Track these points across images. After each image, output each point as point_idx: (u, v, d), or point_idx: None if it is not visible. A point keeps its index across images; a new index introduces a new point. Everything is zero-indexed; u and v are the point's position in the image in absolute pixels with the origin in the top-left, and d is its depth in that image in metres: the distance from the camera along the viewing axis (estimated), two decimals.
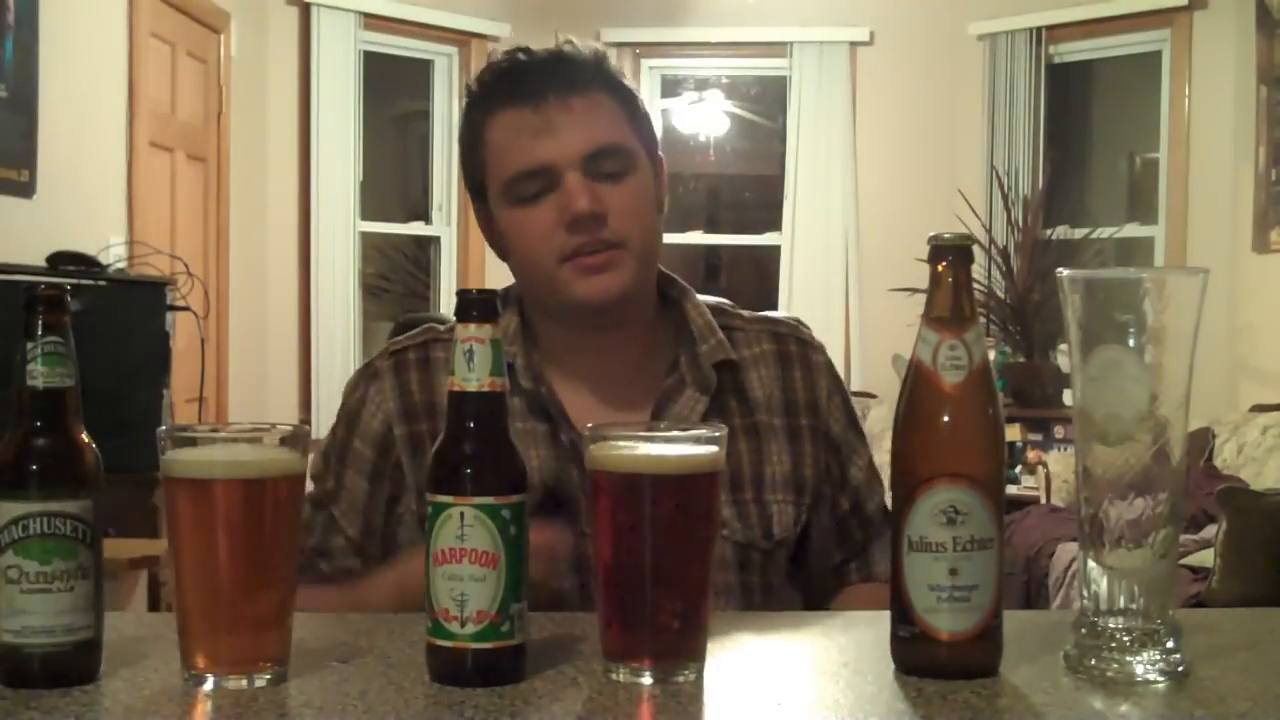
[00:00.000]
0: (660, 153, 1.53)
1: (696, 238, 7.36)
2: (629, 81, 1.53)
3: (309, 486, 1.50)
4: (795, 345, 1.55)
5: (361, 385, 1.52)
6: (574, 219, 1.40)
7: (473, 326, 0.99)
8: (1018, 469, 6.02)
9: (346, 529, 1.50)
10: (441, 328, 1.55)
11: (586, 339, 1.49)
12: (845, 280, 6.83)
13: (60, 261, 3.86)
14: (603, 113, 1.45)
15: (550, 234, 1.42)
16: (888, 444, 1.05)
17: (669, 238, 1.58)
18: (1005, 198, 6.50)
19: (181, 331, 4.47)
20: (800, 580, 1.53)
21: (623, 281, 1.43)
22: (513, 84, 1.46)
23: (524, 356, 1.47)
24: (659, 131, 1.61)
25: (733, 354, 1.50)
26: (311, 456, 1.44)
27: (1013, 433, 5.94)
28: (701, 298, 1.57)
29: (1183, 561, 3.75)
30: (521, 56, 1.48)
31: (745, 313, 1.59)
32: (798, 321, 1.60)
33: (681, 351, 1.50)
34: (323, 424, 6.20)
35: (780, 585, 1.50)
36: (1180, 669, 1.00)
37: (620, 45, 6.58)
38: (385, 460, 1.49)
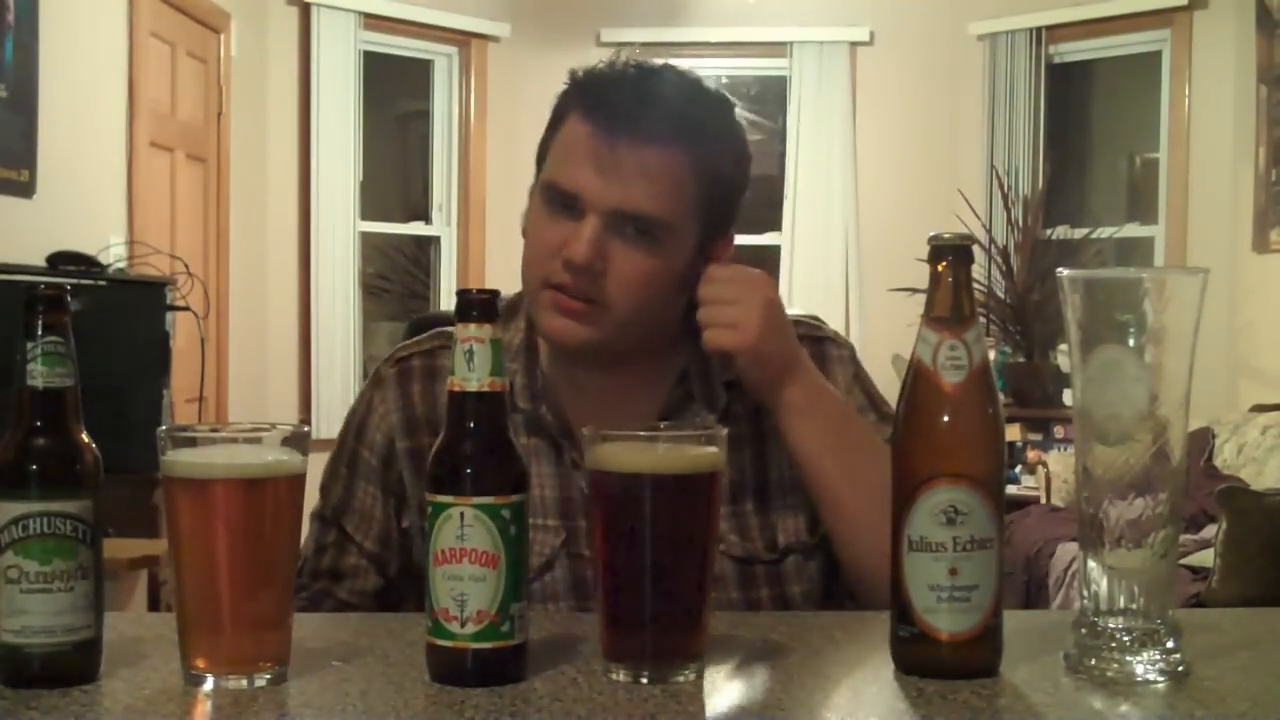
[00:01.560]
0: (731, 231, 1.44)
1: None
2: (736, 144, 1.43)
3: (315, 503, 1.47)
4: (811, 346, 1.48)
5: (368, 393, 1.49)
6: (566, 261, 1.35)
7: (473, 326, 0.99)
8: (1018, 469, 6.02)
9: (362, 543, 1.44)
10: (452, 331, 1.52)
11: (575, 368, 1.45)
12: (845, 280, 6.83)
13: (60, 261, 3.86)
14: (666, 179, 1.35)
15: (549, 253, 1.37)
16: None
17: None
18: (1005, 198, 6.50)
19: (181, 331, 4.47)
20: (837, 587, 1.46)
21: (588, 335, 1.37)
22: (608, 100, 1.37)
23: (524, 374, 1.43)
24: None
25: None
26: (320, 471, 1.42)
27: (1013, 433, 5.94)
28: None
29: (1183, 561, 3.75)
30: (632, 73, 1.40)
31: None
32: (817, 321, 1.55)
33: (692, 363, 1.44)
34: (323, 424, 6.23)
35: (806, 593, 1.43)
36: (1180, 669, 1.00)
37: (620, 45, 6.57)
38: (389, 472, 1.45)
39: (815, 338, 1.51)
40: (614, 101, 1.37)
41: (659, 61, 1.43)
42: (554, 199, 1.38)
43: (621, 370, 1.44)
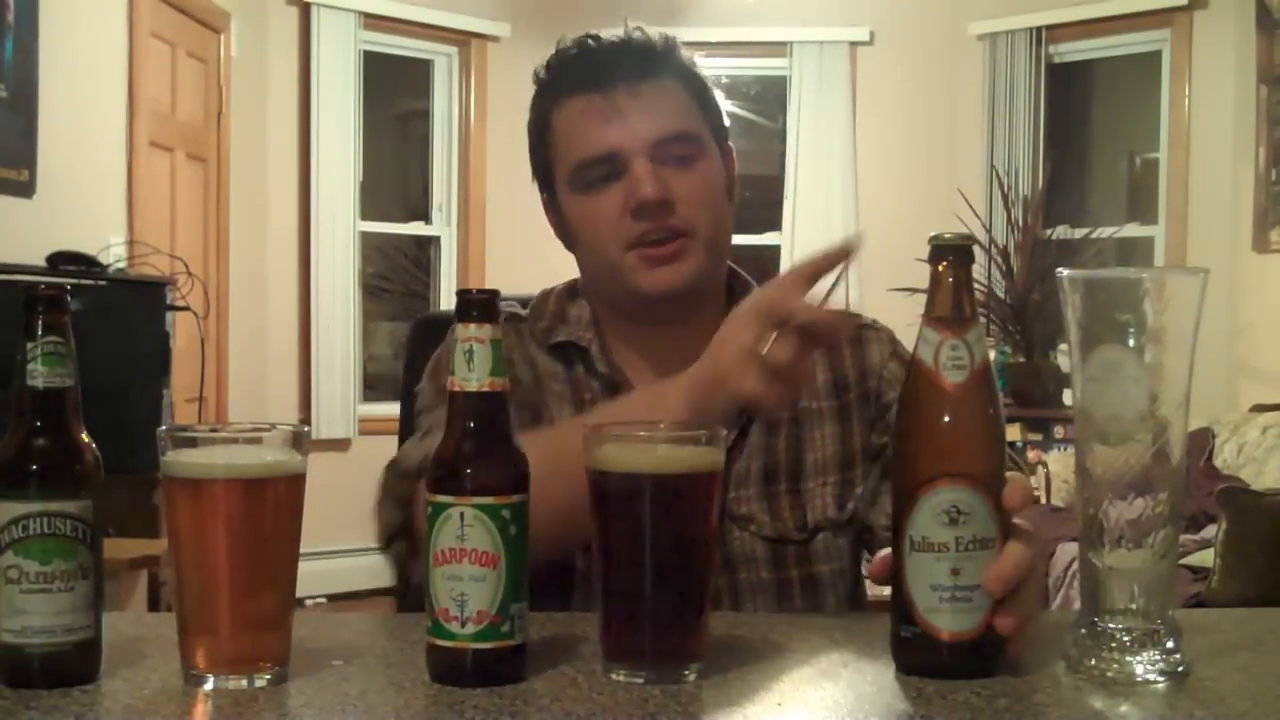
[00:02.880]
0: (729, 143, 1.50)
1: None
2: (701, 70, 1.51)
3: (418, 418, 1.45)
4: (851, 332, 1.51)
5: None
6: (640, 205, 1.39)
7: (473, 326, 0.99)
8: None
9: None
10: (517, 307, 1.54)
11: (651, 331, 1.48)
12: (845, 280, 6.82)
13: (60, 261, 3.87)
14: (672, 99, 1.43)
15: (616, 221, 1.40)
16: None
17: None
18: (1005, 198, 6.50)
19: (181, 331, 4.47)
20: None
21: (689, 272, 1.41)
22: (581, 70, 1.45)
23: (598, 341, 1.47)
24: None
25: None
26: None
27: (1013, 433, 5.94)
28: None
29: (1183, 561, 3.75)
30: (591, 43, 1.47)
31: None
32: (855, 314, 1.53)
33: None
34: (323, 424, 6.23)
35: (837, 571, 1.45)
36: (1180, 669, 1.00)
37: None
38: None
39: (856, 325, 1.53)
40: (593, 65, 1.44)
41: (589, 32, 1.50)
42: (589, 176, 1.42)
43: (686, 353, 1.41)
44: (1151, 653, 0.99)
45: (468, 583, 0.96)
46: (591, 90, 1.42)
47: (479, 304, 1.00)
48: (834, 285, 1.20)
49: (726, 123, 1.53)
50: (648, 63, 1.44)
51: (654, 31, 1.49)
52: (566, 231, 1.49)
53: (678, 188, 1.40)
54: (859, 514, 1.47)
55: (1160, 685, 0.98)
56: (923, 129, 6.93)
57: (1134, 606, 1.00)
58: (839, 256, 1.21)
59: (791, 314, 1.17)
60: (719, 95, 1.53)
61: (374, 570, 6.85)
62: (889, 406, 1.48)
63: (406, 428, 1.82)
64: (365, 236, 6.69)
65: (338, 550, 6.16)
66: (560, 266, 1.60)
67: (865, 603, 1.52)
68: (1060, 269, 1.03)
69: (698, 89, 1.47)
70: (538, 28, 6.91)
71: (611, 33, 1.48)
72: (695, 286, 1.43)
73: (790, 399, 1.24)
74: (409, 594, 1.44)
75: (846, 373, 1.51)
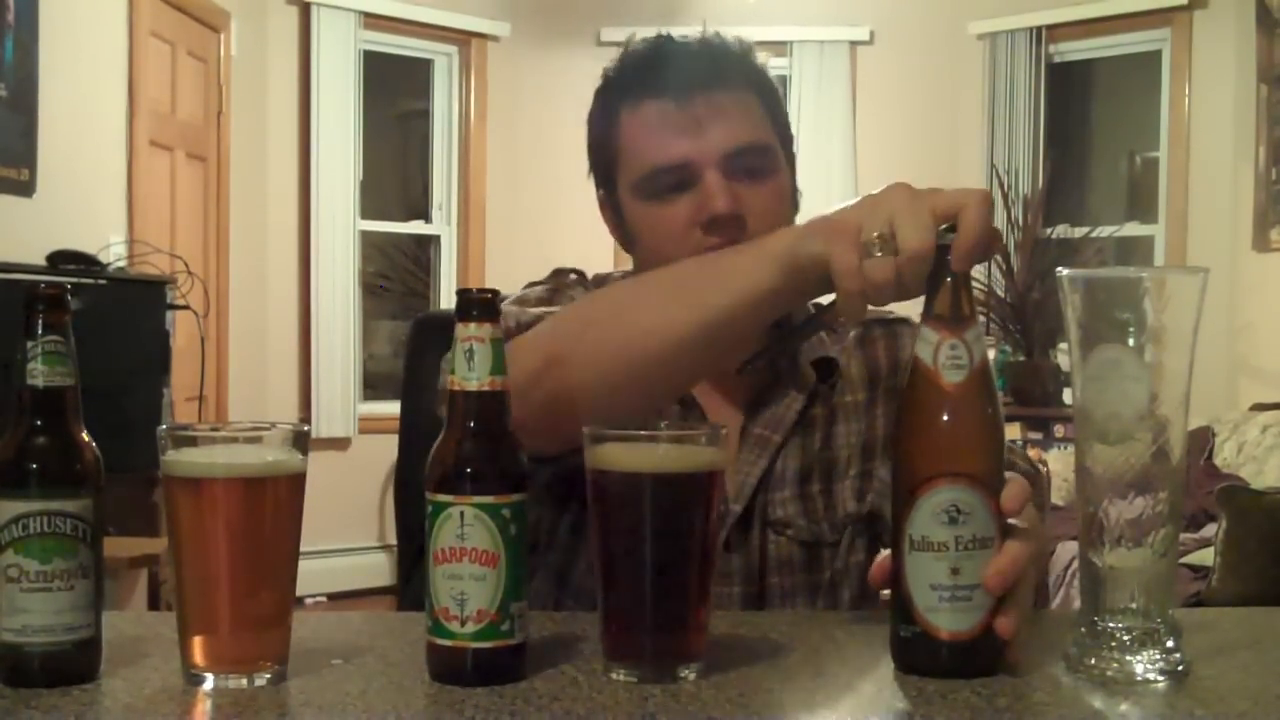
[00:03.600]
0: (794, 149, 1.49)
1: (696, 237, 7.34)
2: (771, 77, 1.49)
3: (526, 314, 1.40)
4: (880, 327, 1.52)
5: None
6: (713, 219, 1.36)
7: (473, 326, 0.99)
8: None
9: None
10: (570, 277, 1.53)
11: None
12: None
13: (60, 261, 3.87)
14: (747, 110, 1.41)
15: (686, 232, 1.37)
16: None
17: None
18: (1005, 197, 6.50)
19: (181, 331, 4.47)
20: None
21: None
22: (656, 74, 1.41)
23: None
24: None
25: (832, 350, 1.48)
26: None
27: (1013, 432, 5.94)
28: None
29: (1183, 561, 3.75)
30: (667, 45, 1.44)
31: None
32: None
33: (774, 343, 1.43)
34: (323, 423, 6.23)
35: (855, 567, 1.45)
36: (1180, 669, 1.00)
37: (620, 45, 6.57)
38: None
39: (886, 321, 1.53)
40: (668, 69, 1.41)
41: (663, 31, 1.47)
42: (659, 184, 1.39)
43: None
44: (1151, 652, 0.99)
45: (468, 582, 0.96)
46: (665, 96, 1.38)
47: (479, 303, 1.00)
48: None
49: (793, 131, 1.51)
50: (723, 69, 1.41)
51: (731, 35, 1.47)
52: (626, 233, 1.46)
53: (749, 202, 1.37)
54: (875, 507, 1.46)
55: (1160, 685, 0.98)
56: (923, 129, 6.93)
57: (1134, 606, 1.00)
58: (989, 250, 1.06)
59: (973, 239, 1.03)
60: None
61: (374, 570, 6.87)
62: None
63: (407, 426, 1.82)
64: (365, 236, 6.69)
65: (338, 550, 6.16)
66: (561, 265, 1.59)
67: (878, 599, 1.51)
68: (1060, 268, 1.03)
69: (770, 98, 1.45)
70: (538, 28, 6.92)
71: (686, 33, 1.45)
72: None
73: (876, 299, 1.10)
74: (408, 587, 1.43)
75: (880, 365, 1.50)
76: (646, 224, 1.41)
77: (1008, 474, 1.03)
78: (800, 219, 1.32)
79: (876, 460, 1.47)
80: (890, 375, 1.50)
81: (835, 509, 1.45)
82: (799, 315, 1.44)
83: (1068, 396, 5.36)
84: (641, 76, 1.42)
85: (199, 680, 0.97)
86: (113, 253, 4.31)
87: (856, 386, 1.49)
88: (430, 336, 1.76)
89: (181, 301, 4.40)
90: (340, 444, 6.33)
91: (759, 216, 1.37)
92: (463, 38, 6.89)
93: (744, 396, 1.45)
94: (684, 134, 1.37)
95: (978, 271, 5.92)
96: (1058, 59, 6.78)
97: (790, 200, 1.45)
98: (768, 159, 1.41)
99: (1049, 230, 6.53)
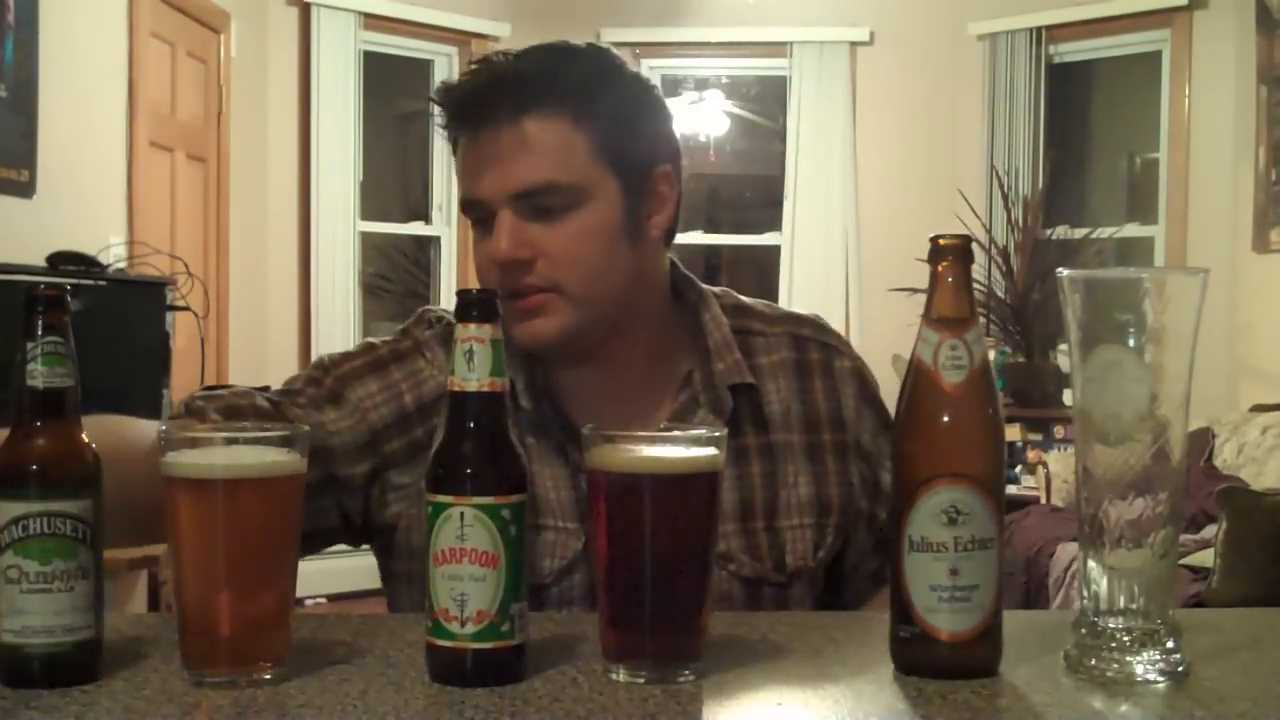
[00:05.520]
0: (664, 165, 1.39)
1: (696, 238, 7.35)
2: (618, 89, 1.37)
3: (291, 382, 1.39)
4: (818, 353, 1.46)
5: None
6: (499, 264, 1.33)
7: (473, 326, 0.99)
8: (1018, 469, 6.02)
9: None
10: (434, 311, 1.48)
11: (570, 369, 1.41)
12: (845, 280, 6.83)
13: (60, 261, 3.87)
14: (541, 145, 1.32)
15: (491, 267, 1.35)
16: None
17: None
18: (1005, 198, 6.50)
19: (181, 331, 4.47)
20: (836, 605, 1.45)
21: (555, 327, 1.34)
22: (457, 106, 1.37)
23: (525, 373, 1.38)
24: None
25: (749, 376, 1.41)
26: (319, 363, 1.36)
27: (1013, 433, 5.94)
28: (720, 291, 1.48)
29: (1183, 561, 3.75)
30: (467, 75, 1.39)
31: (767, 310, 1.49)
32: (821, 321, 1.51)
33: (696, 366, 1.41)
34: None
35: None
36: (1180, 669, 1.00)
37: (620, 45, 6.59)
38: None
39: (821, 343, 1.48)
40: (460, 101, 1.37)
41: (536, 44, 1.40)
42: (471, 219, 1.38)
43: (624, 372, 1.41)
44: (1151, 653, 0.99)
45: (468, 582, 0.96)
46: (463, 128, 1.36)
47: (479, 303, 1.00)
48: None
49: (666, 140, 1.41)
50: (522, 99, 1.32)
51: (578, 46, 1.39)
52: None
53: (542, 243, 1.32)
54: (846, 566, 1.45)
55: (1160, 685, 0.98)
56: (922, 129, 6.94)
57: (1134, 606, 1.00)
58: None
59: None
60: (659, 107, 1.42)
61: (374, 570, 6.86)
62: (869, 454, 1.44)
63: None
64: (365, 236, 6.69)
65: (338, 550, 6.15)
66: None
67: None
68: (1060, 269, 1.03)
69: (591, 120, 1.33)
70: (538, 28, 6.91)
71: (503, 55, 1.38)
72: (564, 340, 1.35)
73: None
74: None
75: (818, 408, 1.45)
76: (475, 252, 1.40)
77: None
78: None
79: (833, 518, 1.43)
80: (834, 428, 1.44)
81: (782, 550, 1.39)
82: (714, 337, 1.41)
83: (1068, 398, 5.38)
84: (448, 109, 1.38)
85: (199, 681, 0.97)
86: (113, 254, 4.31)
87: (793, 424, 1.43)
88: None
89: (181, 302, 4.40)
90: None
91: (553, 259, 1.33)
92: (463, 38, 6.90)
93: (661, 409, 1.40)
94: (480, 172, 1.34)
95: (978, 272, 5.93)
96: (1057, 59, 6.78)
97: (603, 236, 1.34)
98: (566, 196, 1.32)
99: (1049, 231, 6.53)
